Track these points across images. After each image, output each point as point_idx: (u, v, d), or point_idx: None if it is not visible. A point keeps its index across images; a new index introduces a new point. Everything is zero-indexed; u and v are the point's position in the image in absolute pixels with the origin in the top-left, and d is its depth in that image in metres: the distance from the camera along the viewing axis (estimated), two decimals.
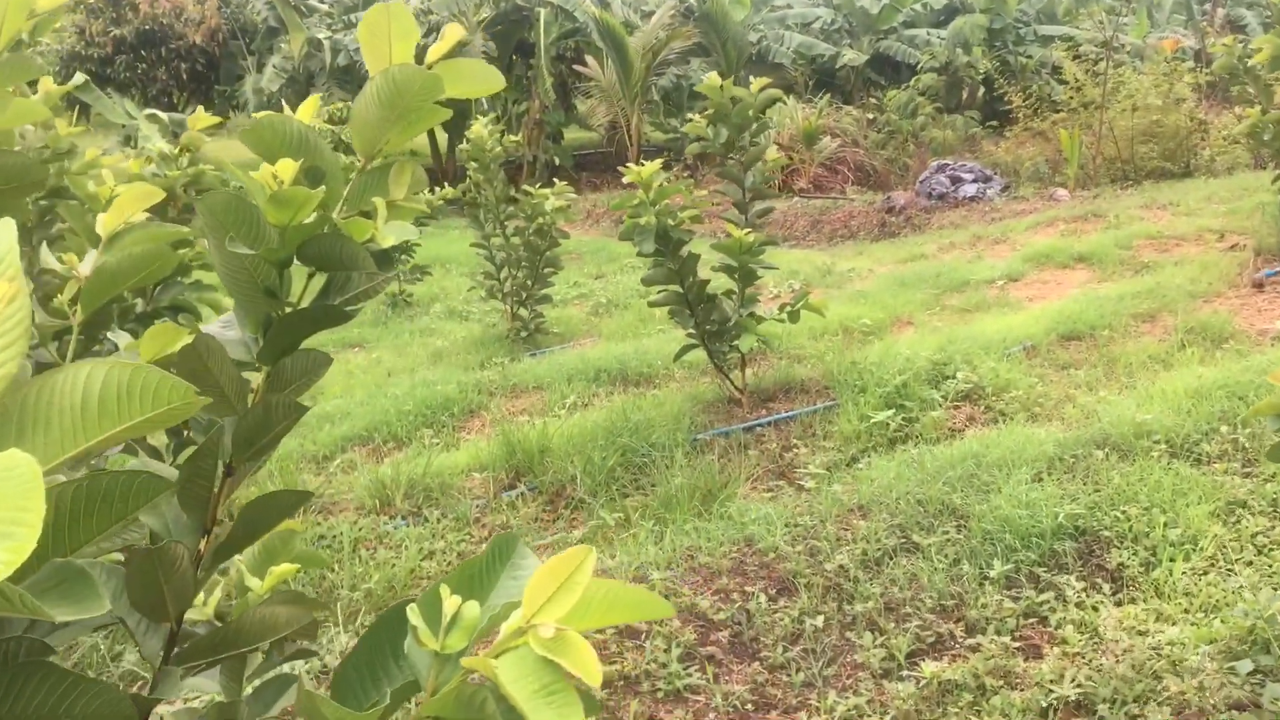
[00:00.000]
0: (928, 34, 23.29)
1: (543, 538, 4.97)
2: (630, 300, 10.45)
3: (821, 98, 18.52)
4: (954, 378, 5.91)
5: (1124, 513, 4.11)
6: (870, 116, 17.08)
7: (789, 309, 6.06)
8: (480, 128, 9.02)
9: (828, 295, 9.25)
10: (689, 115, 19.84)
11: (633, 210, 5.45)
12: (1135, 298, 7.17)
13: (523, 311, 9.13)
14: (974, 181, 12.93)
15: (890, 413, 5.61)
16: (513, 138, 9.72)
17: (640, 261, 9.62)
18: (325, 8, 21.59)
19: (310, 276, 1.49)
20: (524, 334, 8.98)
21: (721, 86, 5.94)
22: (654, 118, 24.59)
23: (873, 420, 5.51)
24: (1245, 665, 3.13)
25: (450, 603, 0.98)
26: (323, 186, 1.39)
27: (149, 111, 18.69)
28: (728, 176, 6.08)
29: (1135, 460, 4.53)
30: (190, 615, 1.34)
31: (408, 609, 0.98)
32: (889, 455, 5.21)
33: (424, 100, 1.42)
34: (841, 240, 12.69)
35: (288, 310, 1.43)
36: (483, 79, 1.61)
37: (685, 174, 18.88)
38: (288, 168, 1.33)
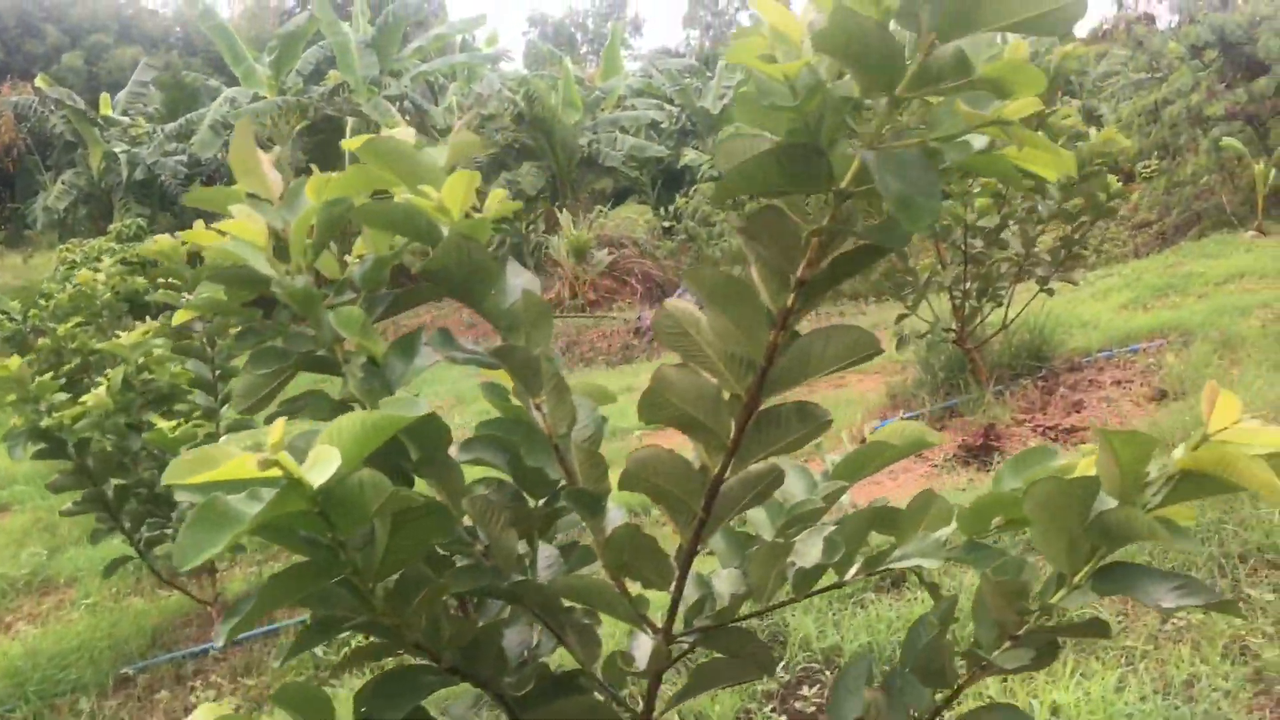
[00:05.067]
0: None
1: None
2: None
3: (619, 204, 17.87)
4: None
5: None
6: (667, 224, 16.42)
7: None
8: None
9: None
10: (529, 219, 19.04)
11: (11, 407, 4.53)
12: None
13: None
14: None
15: None
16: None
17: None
18: (127, 120, 20.76)
19: None
20: None
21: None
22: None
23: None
24: None
25: None
26: None
27: None
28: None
29: None
30: None
31: None
32: None
33: None
34: (584, 365, 11.87)
35: None
36: None
37: None
38: None
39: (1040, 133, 1.37)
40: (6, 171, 19.94)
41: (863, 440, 5.61)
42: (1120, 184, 6.75)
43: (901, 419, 6.73)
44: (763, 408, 1.48)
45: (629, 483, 1.44)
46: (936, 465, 6.03)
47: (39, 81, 19.88)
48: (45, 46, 45.50)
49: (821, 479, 1.81)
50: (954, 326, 6.77)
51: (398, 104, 20.27)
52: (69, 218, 19.68)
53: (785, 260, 1.45)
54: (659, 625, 1.60)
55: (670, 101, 25.38)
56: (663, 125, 24.95)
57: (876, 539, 1.68)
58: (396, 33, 20.51)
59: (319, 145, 20.51)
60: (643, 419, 1.53)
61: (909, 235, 1.32)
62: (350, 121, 19.44)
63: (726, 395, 1.44)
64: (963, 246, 6.52)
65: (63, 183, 18.98)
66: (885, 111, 1.41)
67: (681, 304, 1.47)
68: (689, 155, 22.59)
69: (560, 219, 15.99)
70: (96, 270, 8.08)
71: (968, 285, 6.83)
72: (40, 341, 10.30)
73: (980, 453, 6.05)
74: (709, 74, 27.53)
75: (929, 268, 6.88)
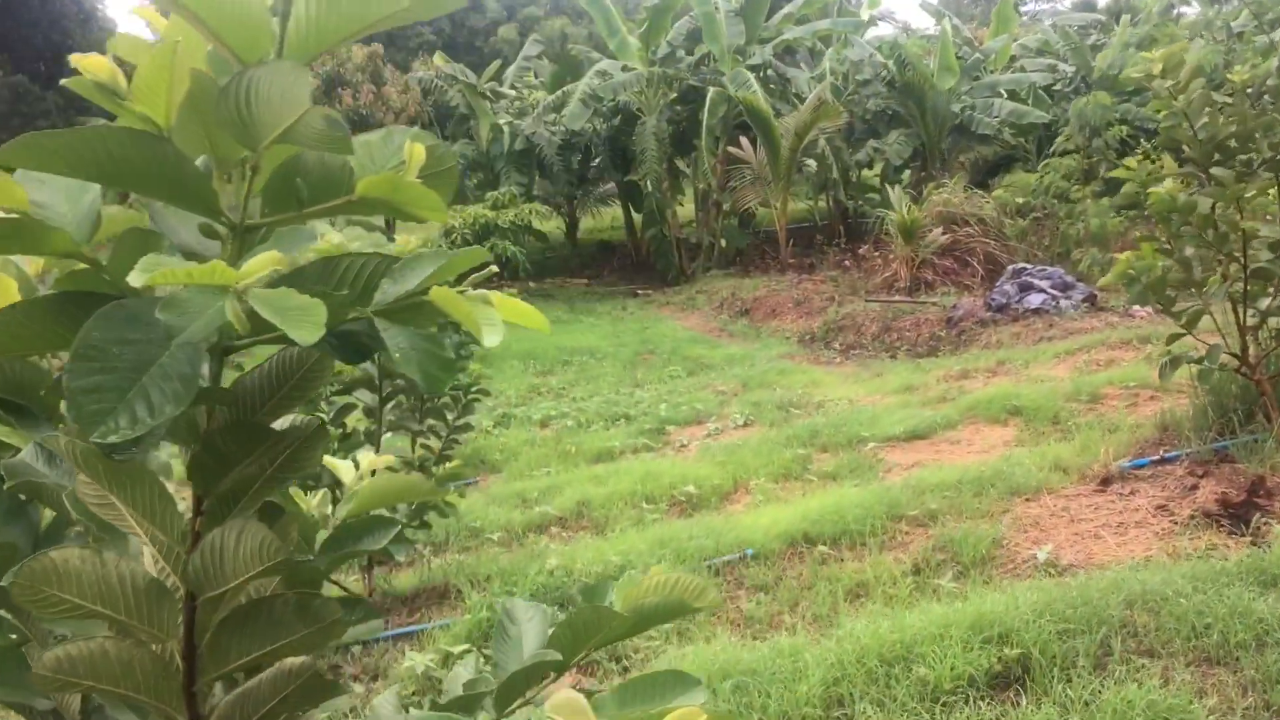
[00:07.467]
0: None
1: None
2: (595, 422, 9.71)
3: (1002, 173, 16.64)
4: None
5: None
6: (1020, 201, 15.05)
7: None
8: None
9: (753, 434, 8.11)
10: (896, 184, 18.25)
11: None
12: (952, 487, 5.63)
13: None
14: (1047, 291, 10.99)
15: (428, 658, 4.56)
16: None
17: (686, 372, 9.05)
18: (513, 94, 22.14)
19: None
20: None
21: None
22: (855, 193, 23.23)
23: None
24: None
25: None
26: None
27: None
28: None
29: None
30: None
31: None
32: None
33: None
34: (888, 355, 11.19)
35: None
36: None
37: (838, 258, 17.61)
38: None
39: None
40: None
41: (1103, 483, 4.80)
42: None
43: (1161, 457, 5.74)
44: (255, 599, 1.21)
45: (45, 685, 1.17)
46: (1178, 522, 5.05)
47: (436, 59, 21.66)
48: (486, 20, 49.82)
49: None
50: (1238, 352, 5.64)
51: (759, 72, 20.10)
52: (461, 185, 21.37)
53: (181, 431, 1.18)
54: None
55: (1064, 61, 23.33)
56: (1055, 87, 22.99)
57: None
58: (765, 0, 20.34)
59: (686, 117, 20.83)
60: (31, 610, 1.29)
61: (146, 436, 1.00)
62: (710, 93, 19.53)
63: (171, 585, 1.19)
64: (1242, 259, 5.40)
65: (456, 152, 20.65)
66: (231, 250, 1.12)
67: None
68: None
69: (891, 196, 15.13)
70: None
71: (1271, 302, 5.68)
72: None
73: (1239, 511, 5.01)
74: (1115, 28, 24.94)
75: (1217, 281, 5.78)
